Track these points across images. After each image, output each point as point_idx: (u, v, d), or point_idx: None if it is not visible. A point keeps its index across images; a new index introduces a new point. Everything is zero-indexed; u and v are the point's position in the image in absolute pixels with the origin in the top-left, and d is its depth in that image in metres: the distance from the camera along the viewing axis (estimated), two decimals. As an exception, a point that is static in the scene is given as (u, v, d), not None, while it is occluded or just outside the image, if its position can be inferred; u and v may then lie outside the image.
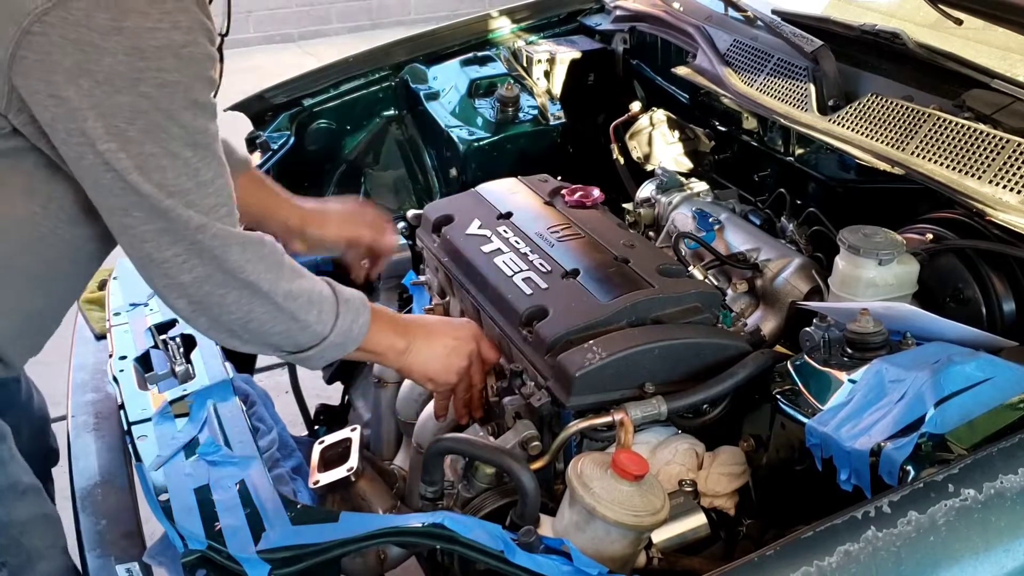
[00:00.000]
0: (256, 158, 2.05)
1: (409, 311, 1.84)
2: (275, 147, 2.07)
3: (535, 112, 2.15)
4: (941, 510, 0.92)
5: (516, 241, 1.46)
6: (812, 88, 1.65)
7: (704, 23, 1.98)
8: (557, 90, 2.26)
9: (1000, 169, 1.34)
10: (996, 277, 1.34)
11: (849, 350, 1.20)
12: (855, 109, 1.56)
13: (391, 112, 2.30)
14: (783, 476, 1.22)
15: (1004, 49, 1.58)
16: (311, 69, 2.24)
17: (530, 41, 2.36)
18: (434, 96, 2.22)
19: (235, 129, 2.21)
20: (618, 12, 2.30)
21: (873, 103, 1.54)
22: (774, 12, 1.85)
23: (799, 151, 1.71)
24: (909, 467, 1.00)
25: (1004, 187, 1.32)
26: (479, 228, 1.52)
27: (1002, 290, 1.34)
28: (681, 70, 1.91)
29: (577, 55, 2.26)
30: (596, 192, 1.60)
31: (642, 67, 2.24)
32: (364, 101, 2.27)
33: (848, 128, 1.55)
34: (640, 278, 1.33)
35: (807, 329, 1.26)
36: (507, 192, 1.64)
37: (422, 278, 1.70)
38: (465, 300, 1.48)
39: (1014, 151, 1.34)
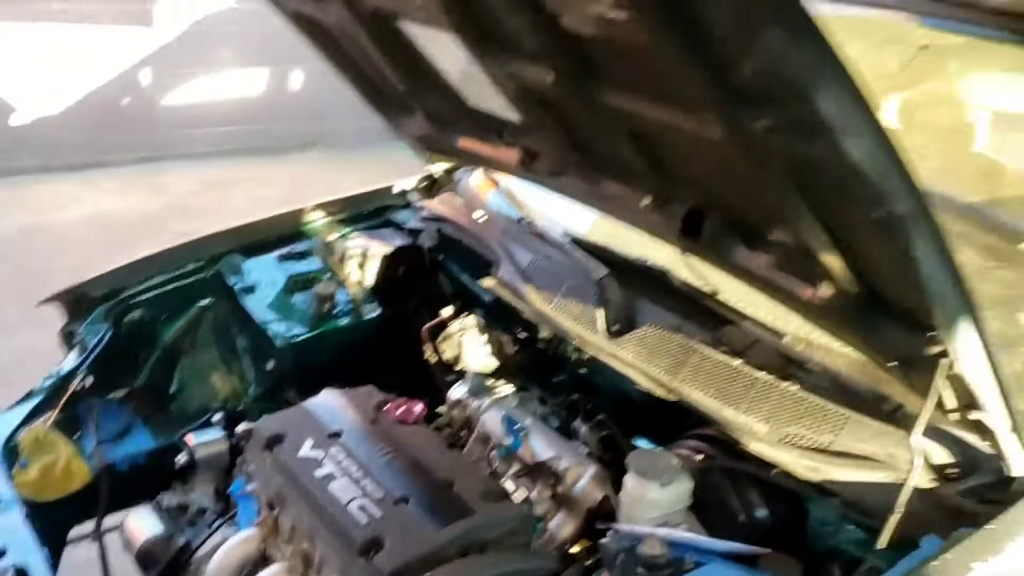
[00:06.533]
0: (72, 358, 2.07)
1: (233, 516, 1.90)
2: (91, 345, 2.10)
3: (350, 306, 2.31)
4: None
5: (348, 465, 1.60)
6: (600, 313, 1.92)
7: (503, 237, 2.24)
8: (370, 282, 2.43)
9: (753, 401, 1.64)
10: (752, 490, 1.63)
11: (641, 569, 1.43)
12: (636, 336, 1.84)
13: (207, 302, 2.38)
14: None
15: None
16: (128, 262, 2.30)
17: (344, 234, 2.53)
18: (250, 290, 2.32)
19: (51, 322, 2.23)
20: (424, 213, 2.53)
21: (650, 332, 1.83)
22: (566, 235, 2.13)
23: (591, 365, 1.97)
24: None
25: (756, 418, 1.62)
26: (312, 449, 1.65)
27: (756, 500, 1.63)
28: (487, 282, 2.15)
29: (389, 250, 2.46)
30: (418, 408, 1.77)
31: (448, 263, 2.46)
32: (181, 291, 2.35)
33: (630, 353, 1.82)
34: (466, 504, 1.50)
35: (604, 541, 1.50)
36: (334, 409, 1.77)
37: (250, 488, 1.79)
38: (299, 521, 1.59)
39: (764, 387, 1.64)
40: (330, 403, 1.80)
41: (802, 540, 1.63)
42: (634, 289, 1.95)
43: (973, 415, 1.35)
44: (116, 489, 2.08)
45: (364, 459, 1.62)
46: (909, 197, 1.05)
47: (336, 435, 1.69)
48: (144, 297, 2.29)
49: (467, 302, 2.33)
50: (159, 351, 2.33)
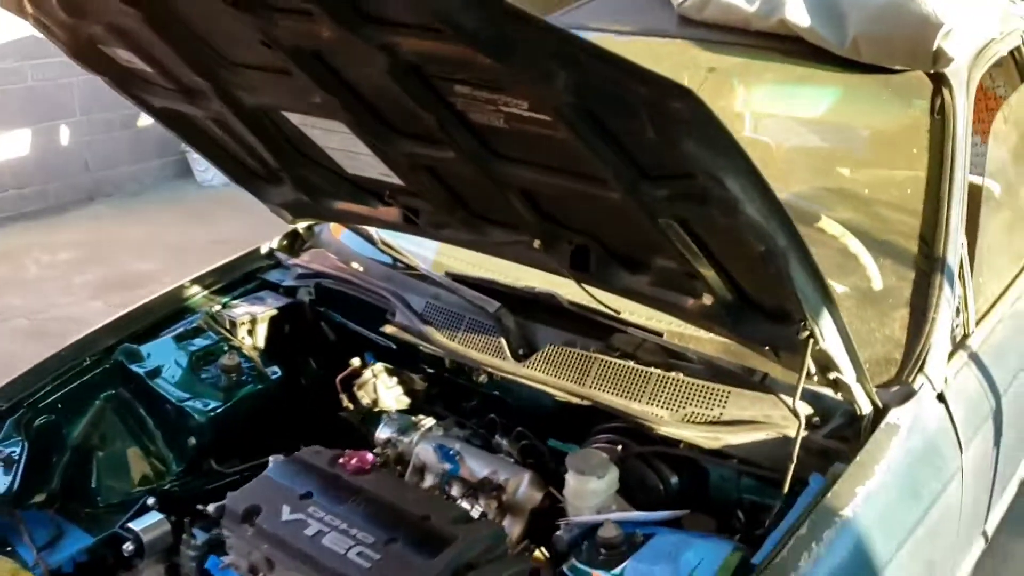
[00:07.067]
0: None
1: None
2: (16, 458, 2.14)
3: (254, 372, 2.45)
4: None
5: (331, 520, 1.79)
6: (503, 341, 2.20)
7: (389, 284, 2.46)
8: (262, 345, 2.58)
9: (652, 393, 1.98)
10: (664, 465, 1.98)
11: (603, 550, 1.74)
12: (541, 355, 2.14)
13: (111, 392, 2.43)
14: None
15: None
16: (21, 373, 2.33)
17: (224, 303, 2.65)
18: (156, 373, 2.41)
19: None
20: (299, 270, 2.69)
21: (552, 351, 2.13)
22: (448, 274, 2.39)
23: (501, 386, 2.24)
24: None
25: (658, 405, 1.96)
26: (291, 513, 1.82)
27: (668, 472, 1.98)
28: (388, 328, 2.37)
29: (274, 311, 2.61)
30: (369, 456, 1.98)
31: (330, 313, 2.64)
32: (82, 387, 2.39)
33: (540, 371, 2.12)
34: (446, 531, 1.74)
35: (559, 534, 1.80)
36: (294, 473, 1.94)
37: (227, 560, 1.93)
38: (295, 579, 1.77)
39: (657, 379, 1.99)
40: (288, 469, 1.96)
41: (707, 498, 2.00)
42: (528, 315, 2.24)
43: (831, 375, 1.75)
44: (66, 592, 2.14)
45: (342, 511, 1.81)
46: (786, 232, 1.41)
47: (308, 495, 1.87)
48: (48, 401, 2.32)
49: (357, 349, 2.53)
50: (69, 451, 2.37)
